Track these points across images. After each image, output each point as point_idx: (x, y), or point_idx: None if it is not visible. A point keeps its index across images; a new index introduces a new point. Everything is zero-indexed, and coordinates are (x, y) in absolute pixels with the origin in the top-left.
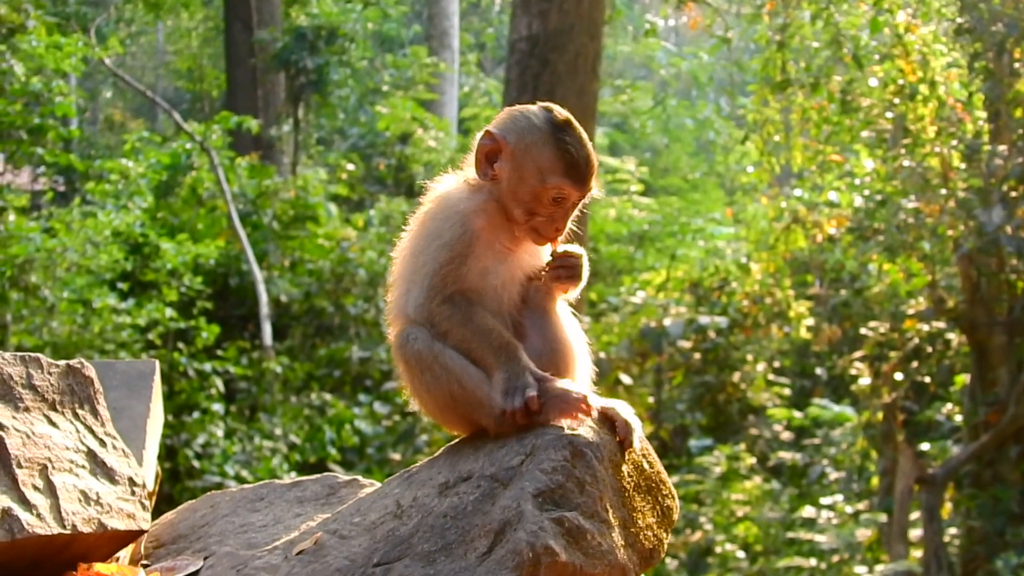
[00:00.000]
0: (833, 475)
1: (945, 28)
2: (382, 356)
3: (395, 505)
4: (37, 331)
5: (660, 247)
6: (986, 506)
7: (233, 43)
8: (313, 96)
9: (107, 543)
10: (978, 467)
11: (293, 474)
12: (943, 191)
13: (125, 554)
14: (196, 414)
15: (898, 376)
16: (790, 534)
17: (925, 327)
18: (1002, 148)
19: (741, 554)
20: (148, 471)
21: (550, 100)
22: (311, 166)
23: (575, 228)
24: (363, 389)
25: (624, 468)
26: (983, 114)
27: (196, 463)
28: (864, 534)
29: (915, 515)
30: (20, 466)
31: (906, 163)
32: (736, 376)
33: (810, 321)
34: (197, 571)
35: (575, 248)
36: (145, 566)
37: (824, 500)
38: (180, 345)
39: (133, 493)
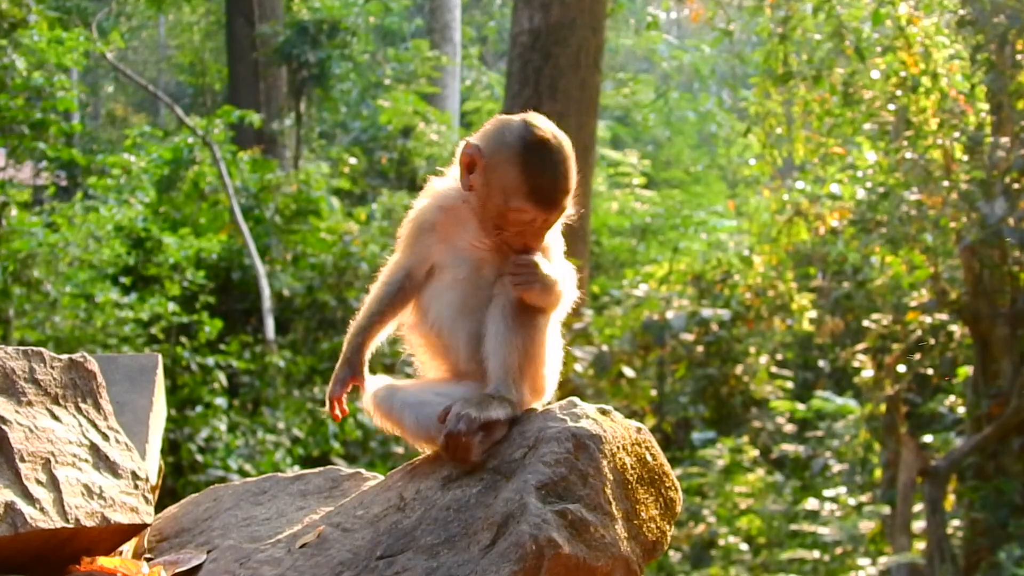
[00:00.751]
0: (836, 467)
1: (947, 20)
2: (384, 350)
3: (398, 498)
4: (40, 326)
5: (662, 240)
6: (989, 498)
7: (235, 37)
8: (315, 90)
9: (110, 537)
10: (981, 459)
11: (296, 468)
12: (945, 183)
13: (128, 548)
14: (199, 408)
15: (901, 368)
16: (793, 526)
17: (928, 319)
18: (1004, 140)
19: (744, 547)
20: (151, 465)
21: (552, 94)
22: (313, 160)
23: (572, 224)
24: None
25: (627, 460)
26: (985, 106)
27: (199, 457)
28: (867, 526)
29: (918, 507)
30: (23, 460)
31: (908, 155)
32: (739, 369)
33: (813, 313)
34: (200, 565)
35: (532, 257)
36: (148, 560)
37: (827, 492)
38: (183, 339)
39: (136, 487)
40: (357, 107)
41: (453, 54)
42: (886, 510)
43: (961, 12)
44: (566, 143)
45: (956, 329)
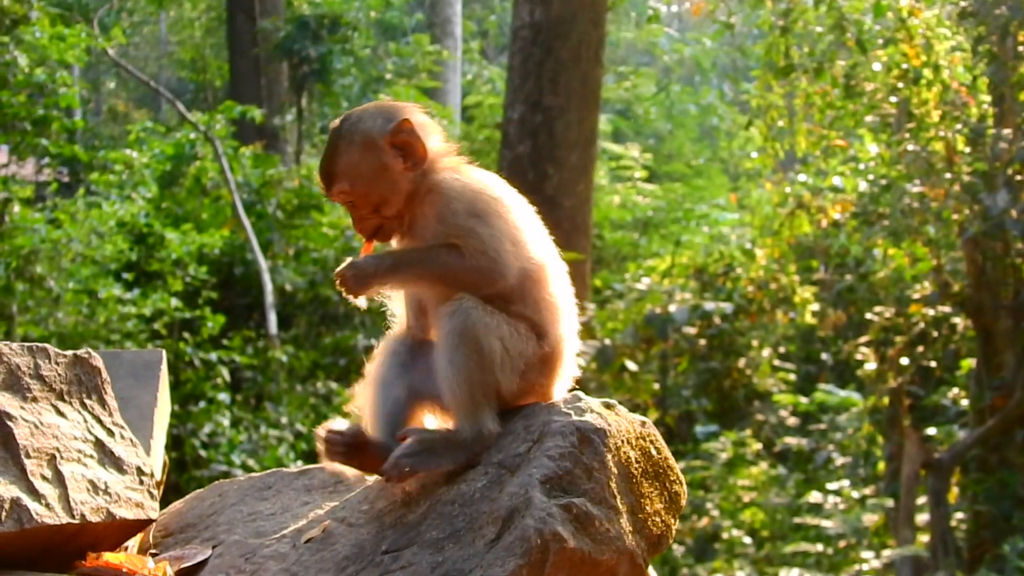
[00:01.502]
0: (839, 460)
1: (949, 12)
2: None
3: (402, 493)
4: (43, 322)
5: (664, 233)
6: (993, 490)
7: (236, 33)
8: (316, 85)
9: (115, 532)
10: (984, 451)
11: (299, 463)
12: (948, 175)
13: (134, 543)
14: (202, 403)
15: (904, 361)
16: (797, 519)
17: (931, 311)
18: (1007, 132)
19: (748, 540)
20: (156, 460)
21: (553, 88)
22: (315, 155)
23: (574, 218)
24: None
25: (632, 454)
26: (987, 98)
27: (202, 452)
28: (871, 519)
29: (922, 500)
30: (28, 456)
31: (910, 147)
32: (741, 362)
33: (815, 306)
34: (206, 560)
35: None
36: (154, 555)
37: (830, 485)
38: (185, 335)
39: (141, 482)
40: (358, 102)
41: (454, 48)
42: (889, 503)
43: (962, 3)
44: (345, 124)
45: (959, 321)
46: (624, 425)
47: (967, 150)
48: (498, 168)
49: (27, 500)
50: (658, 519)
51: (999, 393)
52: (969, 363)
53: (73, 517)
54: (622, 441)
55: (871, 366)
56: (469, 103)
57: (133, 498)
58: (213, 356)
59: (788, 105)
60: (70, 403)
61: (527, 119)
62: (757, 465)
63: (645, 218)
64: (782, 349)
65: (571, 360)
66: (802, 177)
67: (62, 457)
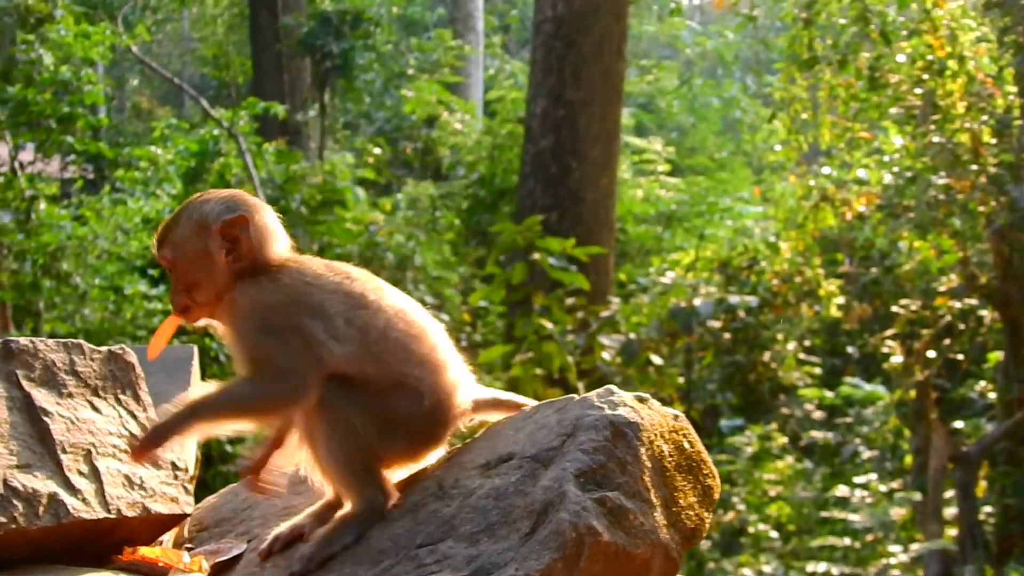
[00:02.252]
0: (866, 454)
1: (973, 2)
2: None
3: (436, 486)
4: (69, 318)
5: (688, 227)
6: (1021, 483)
7: (258, 29)
8: (339, 81)
9: (151, 527)
10: (1012, 444)
11: None
12: (974, 167)
13: (169, 537)
14: None
15: (930, 354)
16: (823, 513)
17: (957, 304)
18: None
19: (774, 534)
20: (189, 455)
21: (576, 81)
22: (338, 151)
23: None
24: None
25: (665, 448)
26: (1013, 88)
27: (229, 447)
28: (898, 513)
29: (949, 493)
30: (65, 451)
31: (936, 139)
32: (767, 355)
33: (840, 299)
34: (241, 554)
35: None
36: (189, 549)
37: (857, 479)
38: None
39: (176, 477)
40: (381, 97)
41: (476, 43)
42: (917, 497)
43: None
44: (195, 199)
45: (986, 314)
46: (657, 419)
47: (993, 141)
48: (521, 163)
49: (64, 495)
50: (692, 512)
51: None
52: (996, 356)
53: (109, 512)
54: (655, 435)
55: (897, 359)
56: (491, 98)
57: (168, 493)
58: None
59: (812, 97)
60: (105, 398)
61: (550, 113)
62: (783, 459)
63: (669, 212)
64: (807, 343)
65: (459, 399)
66: (826, 170)
67: (98, 452)
